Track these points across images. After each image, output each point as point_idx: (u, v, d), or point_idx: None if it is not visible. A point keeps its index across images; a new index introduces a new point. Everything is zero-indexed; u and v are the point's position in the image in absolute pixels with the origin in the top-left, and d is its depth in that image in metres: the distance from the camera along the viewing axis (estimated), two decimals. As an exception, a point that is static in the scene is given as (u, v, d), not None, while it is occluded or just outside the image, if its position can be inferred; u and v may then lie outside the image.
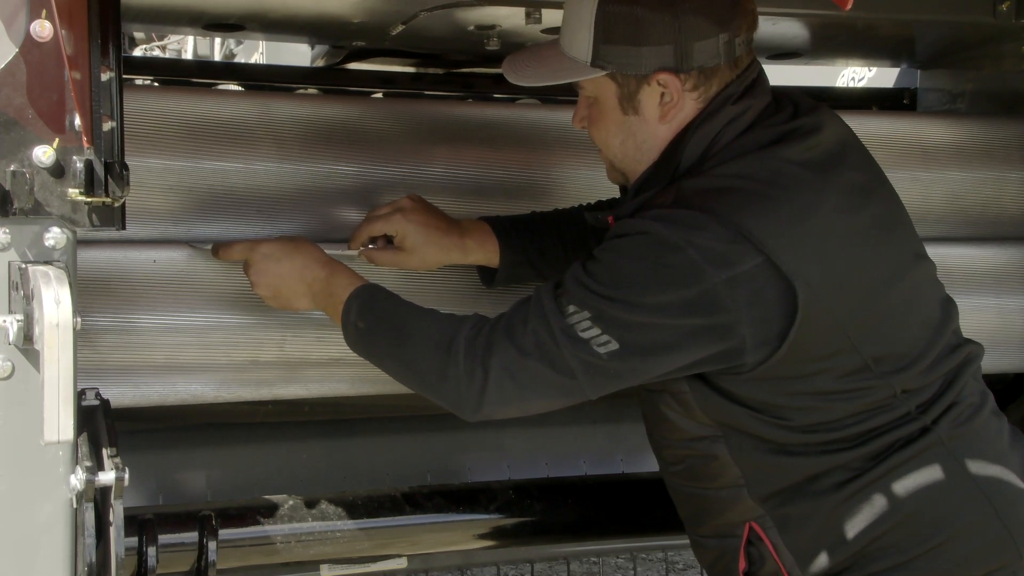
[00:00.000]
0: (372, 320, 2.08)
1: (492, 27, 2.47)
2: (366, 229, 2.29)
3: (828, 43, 2.91)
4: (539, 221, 2.41)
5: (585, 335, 1.91)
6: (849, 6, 1.79)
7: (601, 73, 2.01)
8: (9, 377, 1.71)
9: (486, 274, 2.39)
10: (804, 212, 1.94)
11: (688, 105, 2.00)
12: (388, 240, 2.30)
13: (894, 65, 3.32)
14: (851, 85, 3.65)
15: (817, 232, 1.94)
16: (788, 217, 1.92)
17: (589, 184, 2.56)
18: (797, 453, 2.00)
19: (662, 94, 2.00)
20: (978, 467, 2.01)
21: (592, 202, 2.44)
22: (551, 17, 2.31)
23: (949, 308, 2.12)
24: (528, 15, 2.32)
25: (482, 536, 2.73)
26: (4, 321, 1.69)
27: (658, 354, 1.92)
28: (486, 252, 2.34)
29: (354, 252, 2.29)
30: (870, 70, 3.59)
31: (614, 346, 1.90)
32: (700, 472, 2.10)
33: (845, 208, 1.99)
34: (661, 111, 2.01)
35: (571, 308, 1.92)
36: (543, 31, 2.42)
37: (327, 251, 2.20)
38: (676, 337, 1.90)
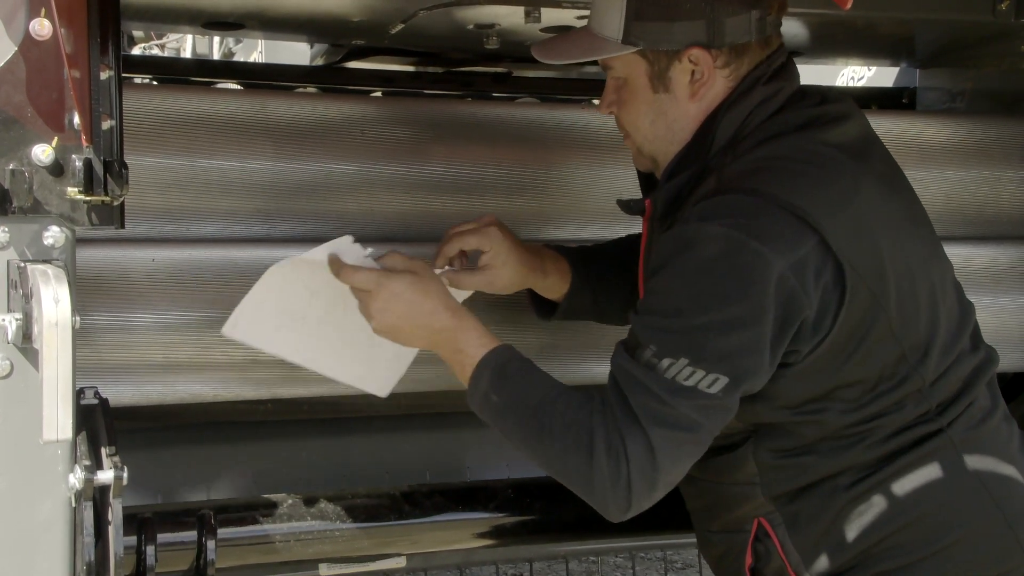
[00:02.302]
0: (506, 398, 1.95)
1: (491, 26, 2.47)
2: (456, 242, 2.19)
3: (827, 42, 2.91)
4: (592, 251, 2.36)
5: (689, 382, 1.81)
6: (849, 5, 1.79)
7: (632, 50, 1.98)
8: (8, 376, 1.71)
9: (542, 304, 2.33)
10: (847, 195, 1.91)
11: (719, 83, 1.98)
12: (464, 259, 2.22)
13: (893, 64, 3.32)
14: (850, 84, 3.65)
15: (859, 216, 1.90)
16: (835, 198, 1.89)
17: (588, 182, 2.56)
18: (819, 452, 1.98)
19: (692, 71, 1.97)
20: (987, 471, 2.00)
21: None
22: (550, 15, 2.31)
23: (967, 307, 2.12)
24: (527, 14, 2.32)
25: (481, 535, 2.72)
26: (3, 320, 1.69)
27: (760, 365, 1.85)
28: (560, 278, 2.28)
29: (437, 271, 2.14)
30: (869, 69, 3.58)
31: (724, 381, 1.82)
32: (717, 464, 2.07)
33: (879, 195, 1.97)
34: (692, 89, 1.98)
35: (665, 362, 1.82)
36: (542, 30, 2.42)
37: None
38: (766, 341, 1.83)
